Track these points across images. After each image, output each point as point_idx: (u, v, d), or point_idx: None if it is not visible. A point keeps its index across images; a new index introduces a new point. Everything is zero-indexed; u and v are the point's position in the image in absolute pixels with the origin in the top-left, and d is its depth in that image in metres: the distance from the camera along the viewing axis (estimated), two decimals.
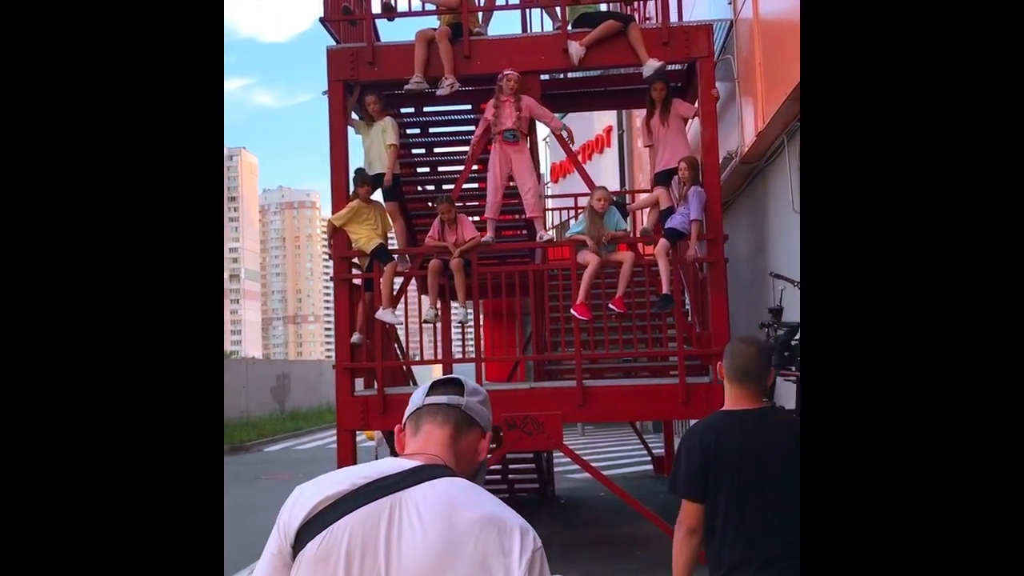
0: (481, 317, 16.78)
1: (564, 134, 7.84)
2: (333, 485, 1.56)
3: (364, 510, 1.51)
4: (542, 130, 8.08)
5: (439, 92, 7.57)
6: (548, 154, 23.22)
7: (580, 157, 21.27)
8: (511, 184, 7.78)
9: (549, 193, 17.13)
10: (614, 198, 7.99)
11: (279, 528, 1.56)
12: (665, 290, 7.17)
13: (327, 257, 7.79)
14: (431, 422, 1.68)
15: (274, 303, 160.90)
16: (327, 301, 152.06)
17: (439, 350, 8.32)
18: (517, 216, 10.40)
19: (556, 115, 8.66)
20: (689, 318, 8.10)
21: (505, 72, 7.31)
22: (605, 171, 19.87)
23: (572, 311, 7.30)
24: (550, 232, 8.96)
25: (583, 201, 8.91)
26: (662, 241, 7.30)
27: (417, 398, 1.73)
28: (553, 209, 14.10)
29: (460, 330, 8.24)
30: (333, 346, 8.14)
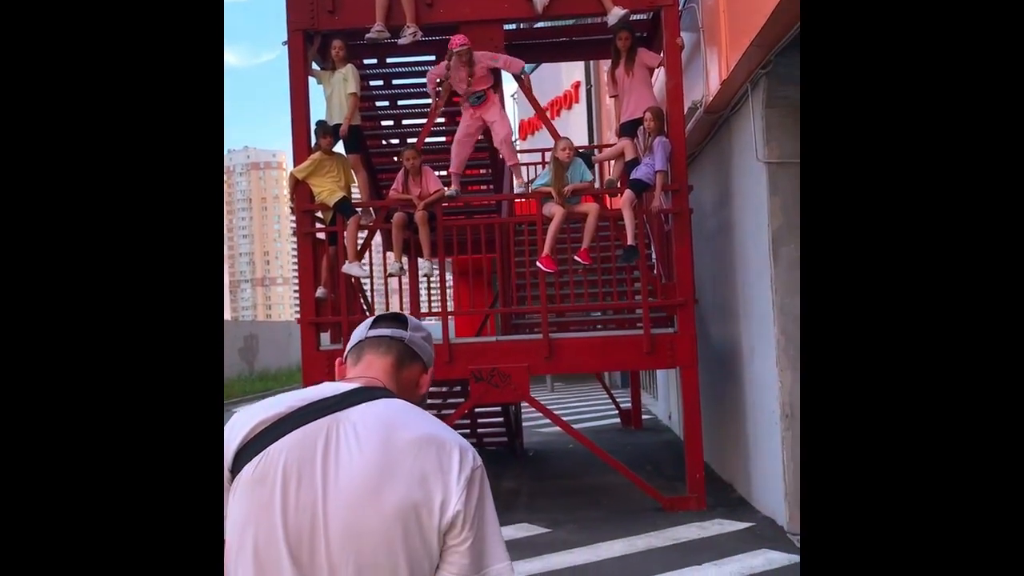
0: (450, 276, 16.83)
1: (524, 79, 7.75)
2: (269, 408, 1.54)
3: (300, 431, 1.50)
4: (509, 87, 8.00)
5: (401, 41, 7.44)
6: (516, 111, 23.04)
7: (548, 113, 21.17)
8: (480, 137, 7.71)
9: (518, 148, 17.00)
10: (580, 150, 7.95)
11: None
12: (630, 242, 7.18)
13: (295, 218, 7.68)
14: (373, 352, 1.66)
15: (241, 265, 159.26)
16: (295, 263, 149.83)
17: (404, 304, 8.30)
18: (483, 171, 10.34)
19: (529, 66, 8.52)
20: (654, 270, 8.13)
21: (456, 49, 7.15)
22: (574, 127, 19.77)
23: (538, 263, 7.29)
24: (526, 185, 8.91)
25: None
26: (627, 192, 7.29)
27: (360, 331, 1.71)
28: (522, 164, 14.02)
29: (426, 284, 8.20)
30: None
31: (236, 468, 1.50)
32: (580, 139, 18.62)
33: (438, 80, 7.57)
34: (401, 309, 8.27)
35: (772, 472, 6.61)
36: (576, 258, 7.34)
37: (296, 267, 8.25)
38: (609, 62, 7.93)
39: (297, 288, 8.05)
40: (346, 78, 7.52)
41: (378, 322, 1.71)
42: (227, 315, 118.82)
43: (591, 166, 7.81)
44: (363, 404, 1.55)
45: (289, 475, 1.47)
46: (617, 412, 13.28)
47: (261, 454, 1.49)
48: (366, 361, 1.66)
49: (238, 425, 1.54)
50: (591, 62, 17.45)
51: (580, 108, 20.51)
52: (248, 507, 1.47)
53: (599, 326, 8.84)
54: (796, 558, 5.72)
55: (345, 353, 1.71)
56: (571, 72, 20.56)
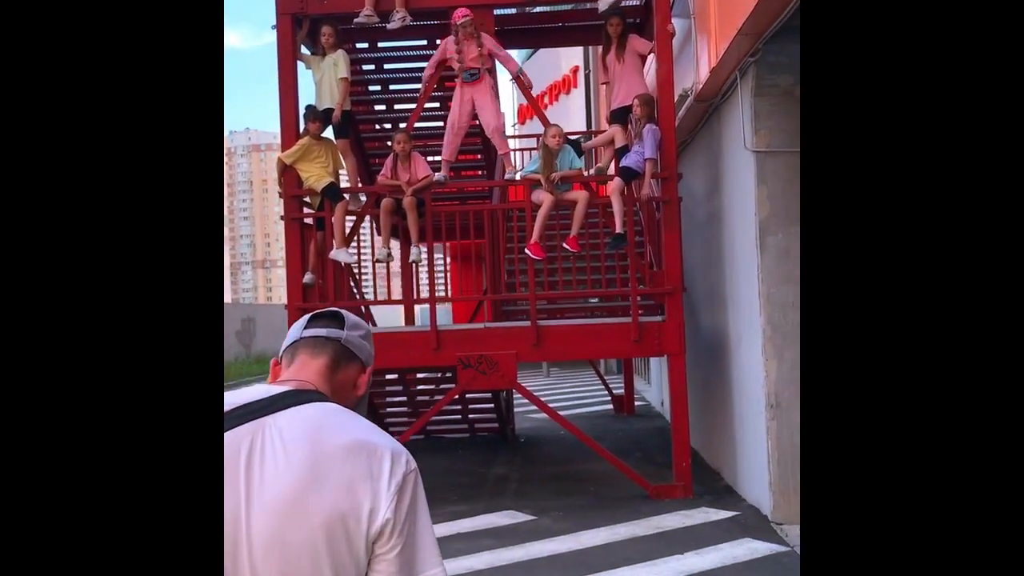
0: (448, 260, 16.78)
1: (522, 78, 7.73)
2: None
3: (225, 437, 1.44)
4: (505, 73, 7.96)
5: (390, 26, 7.40)
6: (515, 95, 22.94)
7: (547, 98, 21.07)
8: (475, 123, 7.67)
9: (514, 133, 16.95)
10: (571, 137, 7.92)
11: None
12: (619, 229, 7.15)
13: (283, 203, 7.66)
14: (307, 353, 1.60)
15: (242, 247, 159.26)
16: None
17: (394, 291, 8.29)
18: (478, 156, 10.31)
19: (524, 52, 8.46)
20: (644, 258, 8.11)
21: (459, 21, 7.12)
22: (572, 111, 19.70)
23: (526, 250, 7.27)
24: (516, 173, 8.88)
25: None
26: (616, 180, 7.26)
27: (295, 331, 1.65)
28: (518, 150, 14.00)
29: (414, 270, 8.19)
30: None
31: None
32: (578, 125, 18.54)
33: (442, 60, 7.41)
34: (389, 296, 8.27)
35: (758, 461, 6.62)
36: (564, 245, 7.32)
37: None
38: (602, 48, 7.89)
39: None
40: (336, 63, 7.48)
41: (313, 321, 1.64)
42: (228, 297, 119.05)
43: (580, 154, 7.78)
44: (292, 408, 1.49)
45: None
46: (610, 398, 13.29)
47: None
48: (299, 362, 1.60)
49: None
50: (590, 47, 17.34)
51: (578, 93, 20.42)
52: None
53: (588, 313, 8.83)
54: (779, 548, 5.74)
55: (280, 353, 1.65)
56: (570, 57, 20.45)
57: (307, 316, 1.67)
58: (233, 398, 1.52)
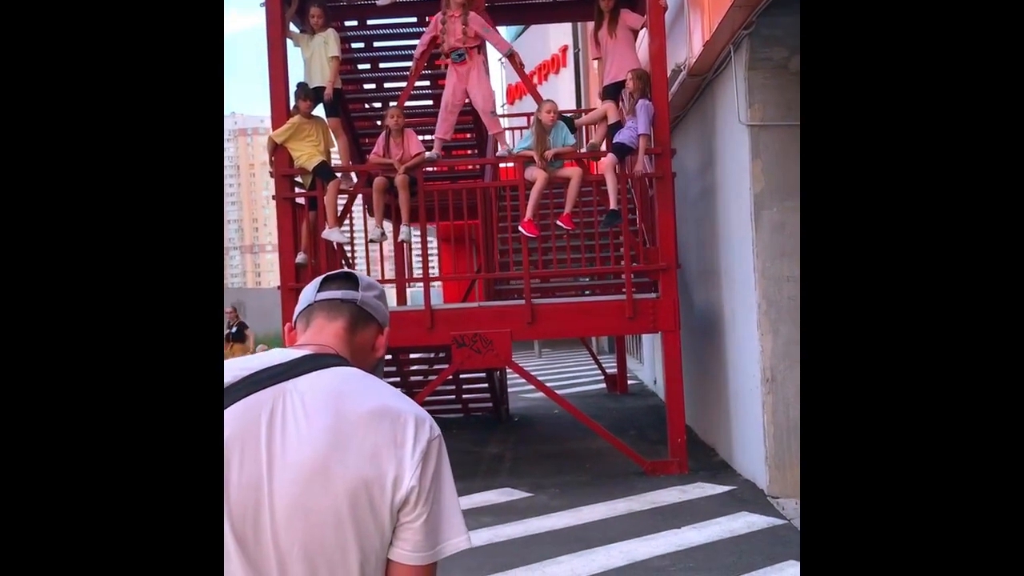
0: (436, 242, 16.73)
1: (515, 57, 7.68)
2: None
3: (243, 403, 1.40)
4: (495, 52, 7.89)
5: (379, 3, 7.32)
6: (503, 74, 22.82)
7: (536, 77, 20.97)
8: (467, 103, 7.61)
9: (504, 112, 16.87)
10: (564, 114, 7.87)
11: None
12: (613, 206, 7.12)
13: (274, 182, 7.59)
14: (323, 316, 1.56)
15: (230, 232, 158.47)
16: None
17: (387, 271, 8.25)
18: (469, 136, 10.24)
19: (516, 28, 8.38)
20: (637, 234, 8.08)
21: None
22: (561, 91, 19.60)
23: (520, 228, 7.23)
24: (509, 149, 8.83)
25: None
26: (609, 156, 7.22)
27: (308, 294, 1.60)
28: (509, 129, 13.94)
29: (405, 249, 8.14)
30: None
31: None
32: (568, 103, 18.46)
33: (434, 38, 7.34)
34: (383, 276, 8.23)
35: (753, 436, 6.64)
36: (558, 223, 7.29)
37: None
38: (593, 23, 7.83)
39: None
40: (327, 41, 7.41)
41: (327, 283, 1.59)
42: None
43: (573, 130, 7.73)
44: (312, 373, 1.45)
45: (232, 449, 1.38)
46: (603, 377, 13.32)
47: None
48: (316, 326, 1.56)
49: None
50: (579, 25, 17.24)
51: (568, 72, 20.32)
52: None
53: (585, 292, 8.81)
54: (776, 521, 5.76)
55: (294, 318, 1.60)
56: (558, 36, 20.34)
57: (319, 279, 1.62)
58: (251, 363, 1.48)
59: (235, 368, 1.47)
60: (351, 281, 1.60)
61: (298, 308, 1.61)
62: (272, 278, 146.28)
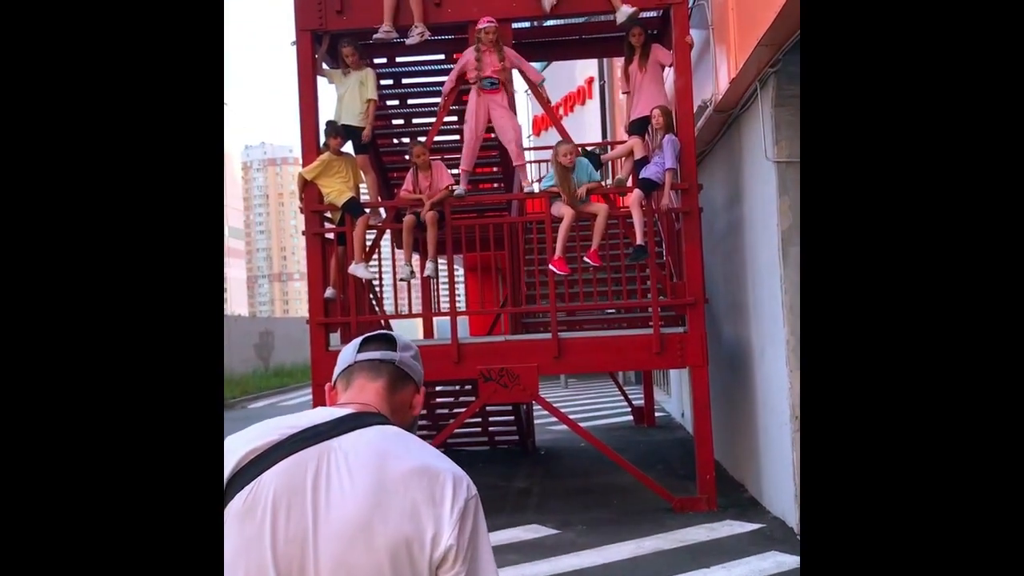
0: (463, 271, 16.78)
1: (542, 89, 7.76)
2: (260, 436, 1.51)
3: (290, 460, 1.46)
4: (521, 83, 7.98)
5: (408, 41, 7.43)
6: (529, 106, 22.99)
7: (562, 109, 21.10)
8: (490, 136, 7.68)
9: (530, 145, 16.99)
10: (586, 149, 7.92)
11: None
12: (639, 241, 7.13)
13: (304, 218, 7.70)
14: (363, 376, 1.63)
15: (259, 261, 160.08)
16: None
17: (414, 305, 8.30)
18: (495, 169, 10.32)
19: (539, 64, 8.51)
20: (664, 269, 8.08)
21: (482, 25, 7.16)
22: (587, 123, 19.71)
23: (551, 266, 7.25)
24: (533, 185, 8.89)
25: None
26: (636, 191, 7.25)
27: (348, 355, 1.68)
28: (533, 162, 14.04)
29: (432, 285, 8.20)
30: None
31: (227, 498, 1.46)
32: (593, 136, 18.54)
33: (463, 73, 7.43)
34: (411, 309, 8.28)
35: (783, 473, 6.57)
36: (585, 259, 7.31)
37: None
38: (622, 59, 7.90)
39: None
40: (363, 82, 7.50)
41: (366, 344, 1.68)
42: (244, 311, 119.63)
43: (600, 165, 7.76)
44: (356, 431, 1.51)
45: (279, 506, 1.44)
46: (630, 409, 13.24)
47: (251, 484, 1.45)
48: (357, 385, 1.63)
49: (229, 453, 1.50)
50: (605, 59, 17.34)
51: (593, 104, 20.42)
52: (238, 539, 1.44)
53: (607, 325, 8.80)
54: None
55: (334, 378, 1.68)
56: (585, 68, 20.47)
57: (358, 340, 1.70)
58: (297, 421, 1.55)
59: (282, 426, 1.54)
60: (390, 342, 1.68)
61: (338, 368, 1.68)
62: (299, 307, 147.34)
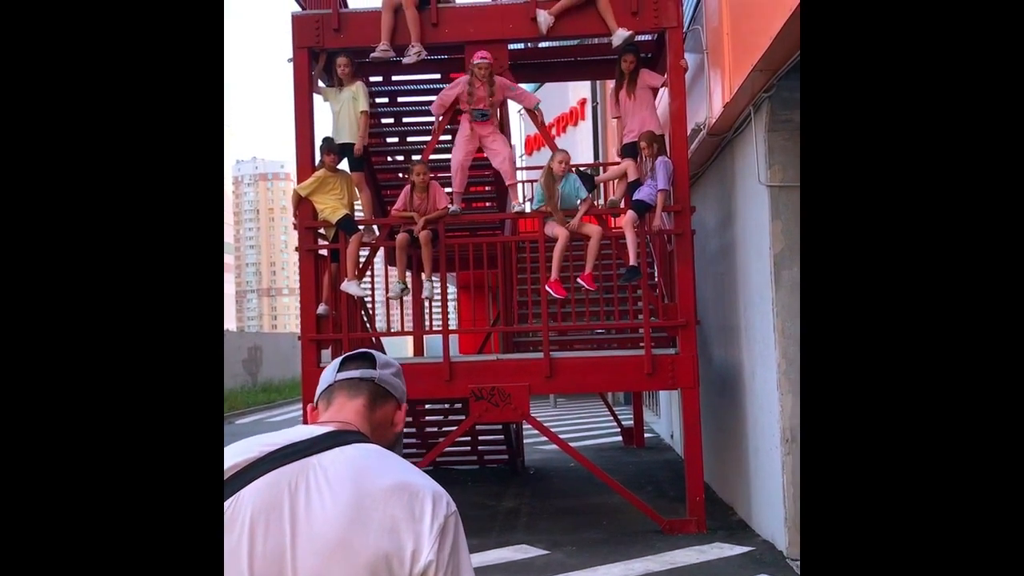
0: (455, 289, 16.78)
1: (538, 113, 7.82)
2: (240, 453, 1.52)
3: (269, 476, 1.47)
4: (515, 103, 8.04)
5: (406, 60, 7.48)
6: (522, 126, 23.10)
7: (554, 130, 21.21)
8: (481, 156, 7.73)
9: (522, 164, 17.07)
10: (579, 169, 7.97)
11: None
12: (632, 262, 7.17)
13: (298, 234, 7.71)
14: (343, 395, 1.64)
15: (248, 276, 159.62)
16: None
17: (405, 322, 8.30)
18: (488, 188, 10.36)
19: (532, 85, 8.57)
20: (656, 290, 8.11)
21: (476, 61, 7.21)
22: (580, 144, 19.81)
23: (547, 288, 7.27)
24: (524, 204, 8.92)
25: None
26: (629, 213, 7.29)
27: (328, 375, 1.69)
28: (525, 181, 14.10)
29: (427, 305, 8.20)
30: None
31: None
32: (586, 157, 18.64)
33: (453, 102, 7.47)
34: (403, 327, 8.28)
35: (772, 496, 6.57)
36: (579, 281, 7.33)
37: None
38: (613, 81, 7.97)
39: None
40: (355, 96, 7.54)
41: (346, 363, 1.68)
42: (233, 325, 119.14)
43: (593, 187, 7.81)
44: (335, 449, 1.52)
45: (256, 522, 1.44)
46: (619, 430, 13.23)
47: (230, 500, 1.46)
48: (337, 404, 1.64)
49: None
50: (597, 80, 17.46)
51: (586, 125, 20.55)
52: None
53: (596, 345, 8.82)
54: None
55: (316, 397, 1.69)
56: (578, 89, 20.61)
57: (338, 360, 1.71)
58: (276, 438, 1.55)
59: (262, 444, 1.54)
60: (368, 360, 1.69)
61: (319, 388, 1.70)
62: (288, 322, 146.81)
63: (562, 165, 7.19)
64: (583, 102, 20.68)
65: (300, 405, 24.52)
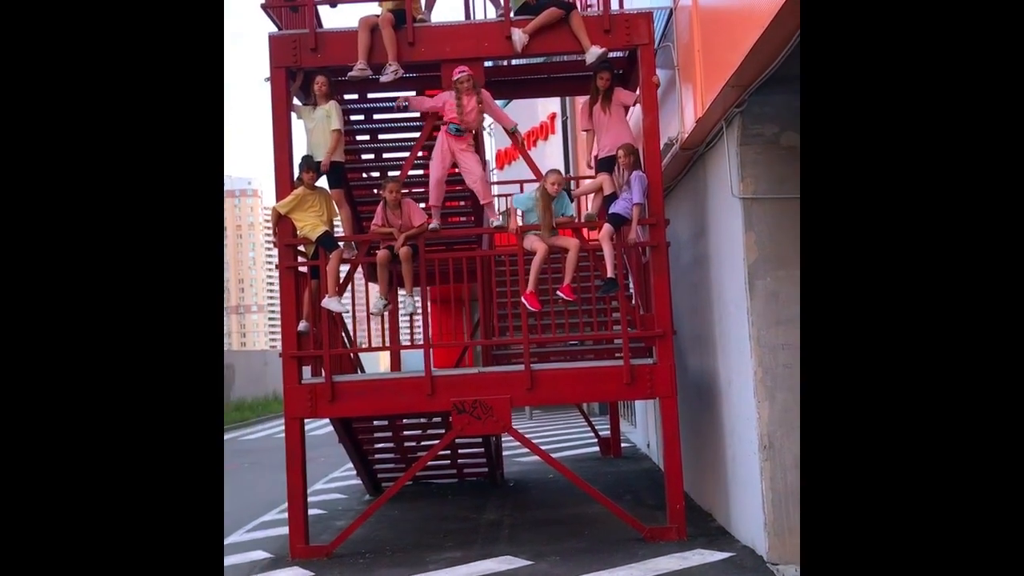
0: (428, 304, 16.76)
1: (517, 134, 7.95)
2: None
3: None
4: (486, 119, 8.15)
5: (383, 79, 7.56)
6: (493, 142, 23.23)
7: (524, 144, 21.34)
8: (455, 171, 7.83)
9: (495, 179, 17.19)
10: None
11: None
12: (609, 274, 7.30)
13: (271, 246, 7.75)
14: None
15: None
16: (271, 291, 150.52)
17: (386, 337, 8.34)
18: (462, 203, 10.45)
19: (501, 102, 8.71)
20: (632, 301, 8.24)
21: (456, 76, 7.33)
22: (550, 158, 19.95)
23: (523, 300, 7.38)
24: (499, 219, 9.01)
25: (529, 187, 8.98)
26: (606, 226, 7.42)
27: None
28: (499, 196, 14.18)
29: (408, 320, 8.25)
30: (278, 336, 8.11)
31: None
32: None
33: (438, 106, 7.53)
34: (384, 342, 8.32)
35: (752, 502, 6.71)
36: (559, 293, 7.45)
37: (272, 295, 8.25)
38: (585, 97, 8.12)
39: (272, 316, 8.05)
40: (329, 115, 7.62)
41: None
42: None
43: (571, 200, 7.95)
44: None
45: None
46: (596, 440, 13.34)
47: None
48: None
49: None
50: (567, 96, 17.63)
51: (556, 139, 20.72)
52: None
53: (569, 357, 8.92)
54: None
55: None
56: (547, 104, 20.78)
57: None
58: None
59: None
60: None
61: None
62: (258, 339, 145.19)
63: (555, 186, 7.34)
64: (553, 116, 20.86)
65: (275, 422, 24.27)
